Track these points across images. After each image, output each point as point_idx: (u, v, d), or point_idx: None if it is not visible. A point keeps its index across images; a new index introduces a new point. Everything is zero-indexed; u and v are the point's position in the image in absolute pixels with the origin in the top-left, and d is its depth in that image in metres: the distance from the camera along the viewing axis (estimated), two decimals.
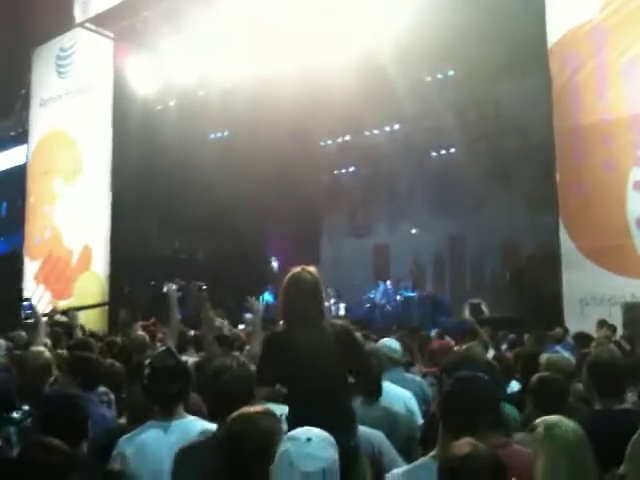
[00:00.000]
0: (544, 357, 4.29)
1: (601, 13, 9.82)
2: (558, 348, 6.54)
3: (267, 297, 16.37)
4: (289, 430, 3.12)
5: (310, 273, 3.47)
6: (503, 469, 2.08)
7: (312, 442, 2.02)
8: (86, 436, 2.93)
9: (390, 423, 3.73)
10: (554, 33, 10.24)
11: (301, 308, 3.38)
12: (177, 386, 3.07)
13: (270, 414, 2.39)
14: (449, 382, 2.79)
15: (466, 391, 2.62)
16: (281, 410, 3.08)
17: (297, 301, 3.40)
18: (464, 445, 2.11)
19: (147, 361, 3.23)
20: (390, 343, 4.74)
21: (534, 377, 3.51)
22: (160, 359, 3.16)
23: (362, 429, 3.40)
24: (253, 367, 3.30)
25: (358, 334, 4.20)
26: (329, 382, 3.24)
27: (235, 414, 2.36)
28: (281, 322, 3.51)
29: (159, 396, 3.09)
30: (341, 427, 3.16)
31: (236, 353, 4.73)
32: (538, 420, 2.56)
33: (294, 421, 3.10)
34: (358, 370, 3.48)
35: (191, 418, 3.10)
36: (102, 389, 4.14)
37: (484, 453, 2.08)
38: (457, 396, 2.63)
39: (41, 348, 4.35)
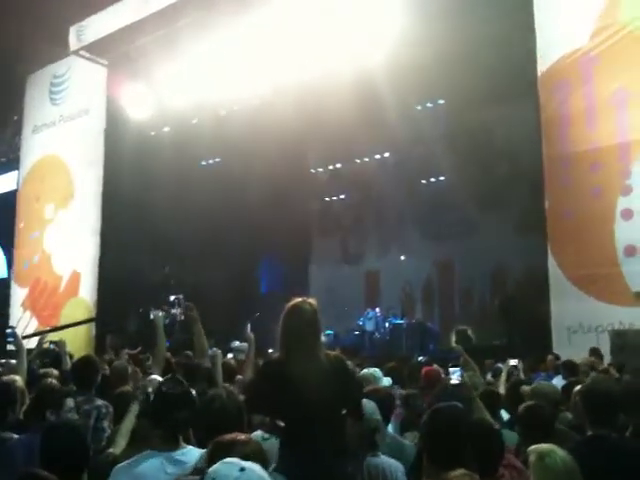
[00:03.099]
0: (528, 387, 4.30)
1: (590, 42, 9.95)
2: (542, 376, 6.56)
3: None
4: (283, 457, 3.12)
5: (310, 304, 3.50)
6: None
7: (246, 472, 1.97)
8: (87, 466, 2.89)
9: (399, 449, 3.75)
10: (544, 62, 10.38)
11: (300, 337, 3.39)
12: (184, 414, 3.01)
13: (252, 441, 2.36)
14: (428, 413, 2.80)
15: (446, 422, 2.63)
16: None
17: (296, 330, 3.41)
18: (459, 476, 2.11)
19: (151, 387, 3.21)
20: (373, 373, 4.76)
21: (521, 407, 3.51)
22: (169, 385, 3.13)
23: (381, 458, 3.46)
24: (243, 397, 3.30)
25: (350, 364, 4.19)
26: (325, 410, 3.24)
27: (214, 442, 2.32)
28: (278, 350, 3.53)
29: (166, 423, 3.02)
30: (337, 454, 3.18)
31: (226, 384, 4.67)
32: (531, 448, 2.56)
33: (290, 449, 3.09)
34: (351, 401, 3.46)
35: (190, 448, 3.01)
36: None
37: None
38: (437, 427, 2.64)
39: (14, 377, 4.33)
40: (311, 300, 3.54)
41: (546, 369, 7.78)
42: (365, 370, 4.88)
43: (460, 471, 2.17)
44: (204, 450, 2.78)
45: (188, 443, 3.06)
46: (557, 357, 8.10)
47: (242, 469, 1.96)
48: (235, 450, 2.10)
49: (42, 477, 2.34)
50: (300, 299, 3.53)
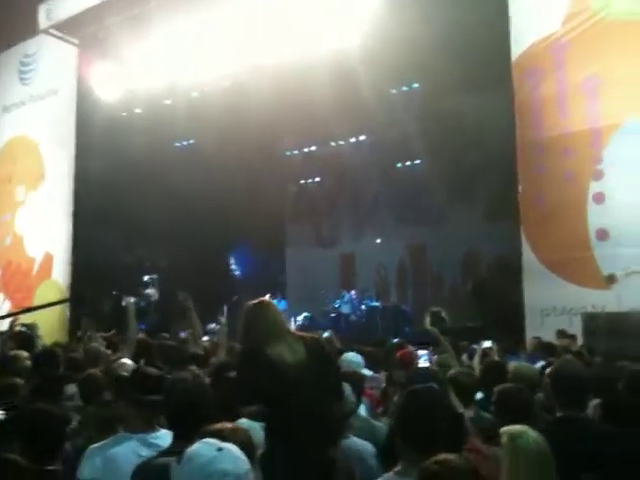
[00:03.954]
0: (511, 367, 4.34)
1: (563, 27, 10.01)
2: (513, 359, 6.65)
3: (281, 304, 16.35)
4: (269, 444, 3.15)
5: (264, 302, 3.73)
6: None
7: (223, 452, 2.00)
8: (60, 450, 2.88)
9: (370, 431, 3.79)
10: (517, 47, 10.42)
11: (271, 326, 3.50)
12: (159, 397, 3.03)
13: (240, 429, 2.38)
14: (403, 394, 2.82)
15: (420, 403, 2.65)
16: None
17: (265, 322, 3.51)
18: (442, 458, 2.13)
19: (131, 370, 3.21)
20: (354, 358, 4.79)
21: (497, 388, 3.54)
22: (145, 368, 3.14)
23: (353, 439, 3.51)
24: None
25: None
26: (307, 392, 3.28)
27: (203, 430, 2.34)
28: (246, 344, 3.61)
29: (141, 406, 3.05)
30: (319, 439, 3.22)
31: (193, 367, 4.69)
32: (503, 429, 2.59)
33: (273, 436, 3.12)
34: (331, 381, 3.51)
35: (165, 431, 3.03)
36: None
37: (463, 465, 2.11)
38: (412, 409, 2.65)
39: None
40: (264, 298, 3.81)
41: (517, 351, 7.87)
42: (346, 355, 4.91)
43: (443, 455, 2.19)
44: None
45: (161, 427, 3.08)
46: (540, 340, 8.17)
47: (219, 449, 1.99)
48: (223, 439, 2.12)
49: (11, 461, 2.32)
50: (254, 301, 3.70)
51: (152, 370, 3.14)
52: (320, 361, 3.45)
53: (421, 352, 5.68)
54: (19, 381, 4.13)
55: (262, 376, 3.35)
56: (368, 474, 3.32)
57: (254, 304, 3.64)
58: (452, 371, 4.19)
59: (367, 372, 4.97)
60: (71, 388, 3.83)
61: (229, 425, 2.40)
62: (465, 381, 4.06)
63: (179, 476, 2.00)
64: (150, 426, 3.05)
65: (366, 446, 3.55)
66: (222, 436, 2.17)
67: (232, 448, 2.03)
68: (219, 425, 2.37)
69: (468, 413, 3.79)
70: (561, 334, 8.07)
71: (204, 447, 2.02)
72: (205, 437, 2.13)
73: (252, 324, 3.54)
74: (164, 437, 2.98)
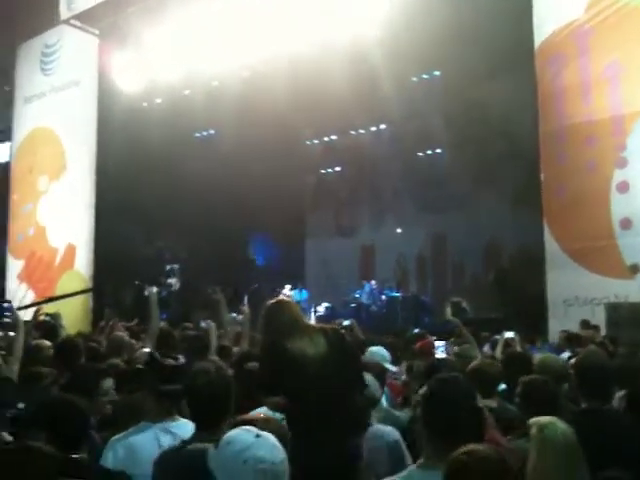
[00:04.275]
0: (537, 358, 4.30)
1: (586, 13, 9.86)
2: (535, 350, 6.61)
3: (302, 294, 16.42)
4: (293, 436, 3.16)
5: (282, 301, 3.79)
6: (512, 471, 2.10)
7: (261, 438, 2.04)
8: (84, 439, 2.91)
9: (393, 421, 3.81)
10: (540, 34, 10.30)
11: (291, 321, 3.54)
12: (176, 387, 3.04)
13: (273, 419, 2.40)
14: (428, 384, 2.80)
15: (447, 391, 2.62)
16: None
17: (286, 317, 3.56)
18: (471, 448, 2.11)
19: (149, 358, 3.24)
20: (380, 352, 4.77)
21: (522, 379, 3.51)
22: (162, 358, 3.17)
23: (377, 426, 3.52)
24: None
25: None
26: (329, 388, 3.30)
27: (235, 421, 2.36)
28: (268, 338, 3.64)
29: (159, 395, 3.08)
30: (344, 433, 3.23)
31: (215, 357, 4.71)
32: (532, 420, 2.56)
33: (295, 428, 3.12)
34: (353, 372, 3.52)
35: (184, 421, 3.06)
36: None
37: (493, 455, 2.09)
38: (439, 396, 2.63)
39: None
40: (281, 297, 3.85)
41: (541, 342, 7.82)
42: (372, 348, 4.89)
43: (471, 445, 2.17)
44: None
45: (182, 416, 3.10)
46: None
47: (257, 436, 2.04)
48: (257, 427, 2.15)
49: (36, 448, 2.35)
50: (278, 298, 3.82)
51: (168, 360, 3.16)
52: (341, 352, 3.46)
53: (438, 343, 5.65)
54: (45, 370, 4.17)
55: (283, 369, 3.39)
56: (394, 459, 3.33)
57: (272, 304, 3.68)
58: (475, 362, 4.16)
59: (392, 368, 4.95)
60: (107, 382, 3.84)
61: (261, 415, 2.42)
62: (488, 372, 4.03)
63: (216, 460, 2.06)
64: (169, 415, 3.08)
65: (391, 432, 3.56)
66: (254, 425, 2.19)
67: (269, 436, 2.08)
68: (251, 415, 2.39)
69: (491, 404, 3.77)
70: (585, 324, 8.00)
71: (243, 433, 2.07)
72: (238, 426, 2.16)
73: (271, 322, 3.58)
74: (184, 426, 3.01)
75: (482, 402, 3.54)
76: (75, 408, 2.94)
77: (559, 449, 2.44)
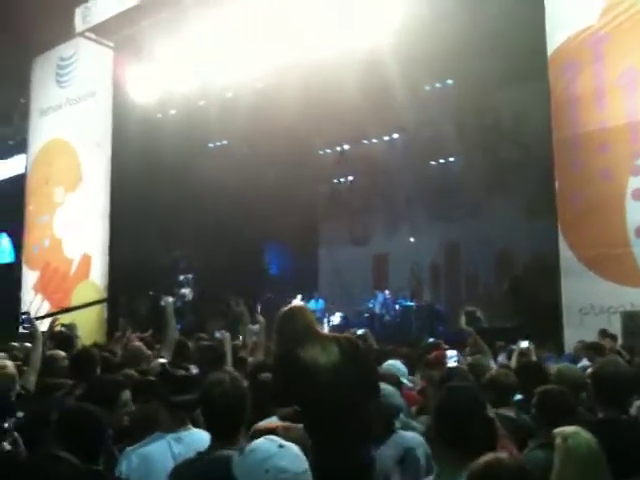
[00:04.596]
0: (554, 368, 4.27)
1: (600, 20, 9.81)
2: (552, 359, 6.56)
3: (319, 303, 16.41)
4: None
5: (305, 306, 3.95)
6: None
7: (284, 449, 2.06)
8: (103, 450, 2.94)
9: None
10: (553, 41, 10.26)
11: (305, 330, 3.55)
12: (188, 397, 3.08)
13: (293, 428, 2.42)
14: (442, 391, 2.80)
15: (458, 399, 2.62)
16: None
17: (301, 326, 3.57)
18: (492, 457, 2.10)
19: (160, 370, 3.26)
20: (396, 365, 4.77)
21: (538, 389, 3.49)
22: (173, 369, 3.20)
23: (400, 433, 3.57)
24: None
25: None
26: (343, 393, 3.31)
27: (254, 429, 2.37)
28: (281, 347, 3.67)
29: (171, 405, 3.11)
30: (357, 441, 3.24)
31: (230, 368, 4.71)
32: (556, 430, 2.56)
33: (309, 437, 3.12)
34: (368, 380, 3.52)
35: (197, 430, 3.10)
36: None
37: (514, 464, 2.08)
38: (450, 404, 2.63)
39: (4, 362, 4.36)
40: (296, 303, 3.83)
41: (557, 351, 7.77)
42: (389, 362, 4.88)
43: (491, 454, 2.16)
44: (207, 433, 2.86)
45: (197, 427, 3.11)
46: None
47: (281, 446, 2.09)
48: (278, 435, 2.17)
49: (65, 458, 2.38)
50: (292, 304, 3.89)
51: (180, 371, 3.19)
52: (355, 360, 3.47)
53: (451, 353, 5.62)
54: (60, 381, 4.19)
55: (296, 379, 3.40)
56: (417, 465, 3.37)
57: (286, 311, 3.69)
58: (491, 371, 4.14)
59: (407, 382, 4.93)
60: (126, 394, 3.85)
61: (280, 424, 2.43)
62: (504, 381, 4.01)
63: (239, 467, 2.11)
64: (182, 425, 3.11)
65: (415, 438, 3.56)
66: (275, 434, 2.21)
67: (293, 447, 2.12)
68: (271, 424, 2.41)
69: (508, 413, 3.76)
70: (603, 333, 7.92)
71: (266, 442, 2.11)
72: (258, 436, 2.18)
73: (284, 330, 3.60)
74: (197, 435, 3.04)
75: (499, 412, 3.54)
76: (94, 419, 2.97)
77: (583, 459, 2.44)
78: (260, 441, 2.12)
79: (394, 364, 4.80)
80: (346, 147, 19.04)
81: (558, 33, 10.24)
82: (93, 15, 14.92)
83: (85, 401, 3.52)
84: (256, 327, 5.58)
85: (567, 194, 10.05)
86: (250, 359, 5.19)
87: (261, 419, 3.14)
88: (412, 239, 18.06)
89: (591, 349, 6.70)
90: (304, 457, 2.09)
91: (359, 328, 8.96)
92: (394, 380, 4.14)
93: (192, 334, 7.60)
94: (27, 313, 12.24)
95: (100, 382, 3.97)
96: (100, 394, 3.63)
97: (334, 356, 3.42)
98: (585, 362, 6.15)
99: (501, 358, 6.57)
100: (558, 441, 2.48)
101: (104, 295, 15.11)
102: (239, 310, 5.39)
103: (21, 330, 8.97)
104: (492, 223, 15.50)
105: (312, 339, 3.50)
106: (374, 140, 18.33)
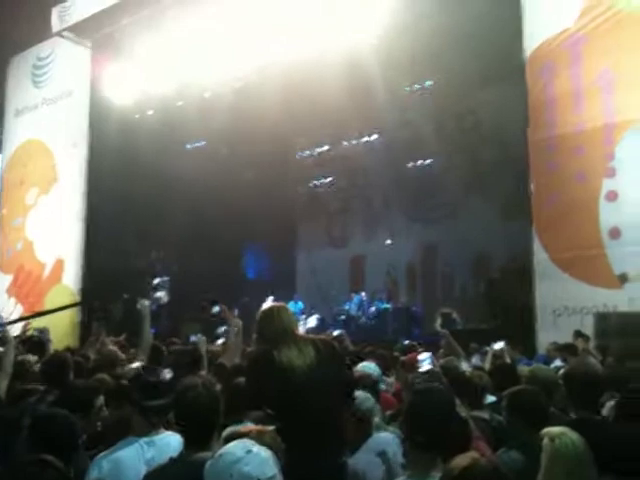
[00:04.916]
0: (526, 369, 4.30)
1: (578, 22, 9.88)
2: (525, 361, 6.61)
3: (298, 305, 16.34)
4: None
5: (283, 306, 3.76)
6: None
7: (251, 454, 2.06)
8: (76, 453, 2.93)
9: None
10: (531, 43, 10.32)
11: (283, 330, 3.52)
12: (160, 401, 3.08)
13: (268, 431, 2.42)
14: (411, 394, 2.81)
15: (426, 403, 2.63)
16: None
17: (277, 325, 3.54)
18: (467, 459, 2.11)
19: (133, 375, 3.25)
20: (371, 368, 4.77)
21: (509, 391, 3.51)
22: (145, 373, 3.19)
23: (375, 435, 3.58)
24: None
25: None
26: (316, 400, 3.28)
27: (229, 434, 2.37)
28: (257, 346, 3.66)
29: (143, 410, 3.10)
30: (330, 445, 3.23)
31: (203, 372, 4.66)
32: (544, 430, 2.59)
33: (283, 440, 3.11)
34: (343, 384, 3.53)
35: (169, 433, 3.10)
36: None
37: (488, 465, 2.10)
38: (419, 407, 2.64)
39: None
40: (277, 303, 3.82)
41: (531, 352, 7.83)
42: (363, 364, 4.88)
43: (469, 454, 2.18)
44: (178, 436, 2.85)
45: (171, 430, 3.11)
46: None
47: (249, 451, 2.08)
48: (252, 439, 2.17)
49: (52, 461, 2.40)
50: (267, 306, 3.75)
51: (153, 375, 3.19)
52: (331, 364, 3.45)
53: (424, 355, 5.60)
54: (33, 387, 4.12)
55: (270, 381, 3.37)
56: (392, 466, 3.36)
57: (266, 310, 3.68)
58: (465, 373, 4.16)
59: (382, 386, 4.93)
60: (100, 400, 3.80)
61: (255, 428, 2.43)
62: (478, 383, 4.03)
63: (208, 472, 2.12)
64: (155, 429, 3.10)
65: (387, 438, 3.55)
66: (249, 438, 2.20)
67: (261, 452, 2.11)
68: (245, 428, 2.40)
69: (483, 415, 3.78)
70: (577, 334, 7.99)
71: (236, 446, 2.13)
72: (231, 440, 2.17)
73: (264, 329, 3.58)
74: (169, 439, 3.05)
75: (473, 413, 3.56)
76: (67, 425, 2.97)
77: (571, 457, 2.49)
78: (229, 445, 2.13)
79: (368, 366, 4.81)
80: (325, 148, 19.04)
81: (536, 35, 10.32)
82: (70, 14, 14.79)
83: (58, 407, 3.50)
84: (235, 329, 5.54)
85: (542, 196, 10.13)
86: (220, 360, 5.14)
87: (236, 423, 3.13)
88: (389, 241, 18.11)
89: (564, 350, 6.76)
90: (273, 462, 2.08)
91: (335, 329, 8.96)
92: (370, 383, 4.14)
93: (167, 338, 7.56)
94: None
95: (73, 388, 3.93)
96: (73, 400, 3.61)
97: (310, 358, 3.40)
98: (558, 363, 6.20)
99: (475, 360, 6.60)
100: (546, 441, 2.52)
101: (78, 299, 14.93)
102: (225, 316, 5.31)
103: None
104: (469, 225, 15.59)
105: (290, 340, 3.47)
106: (353, 141, 18.35)
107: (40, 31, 15.59)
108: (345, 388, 3.54)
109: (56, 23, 15.11)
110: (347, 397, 3.54)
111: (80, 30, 15.05)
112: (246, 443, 2.13)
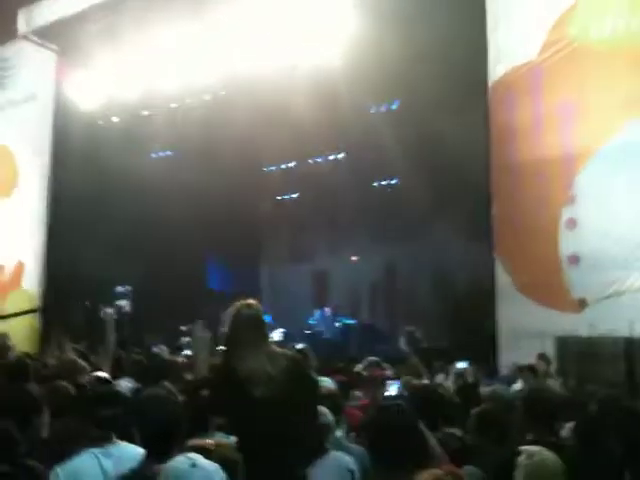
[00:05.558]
0: (488, 389, 4.38)
1: (540, 55, 10.17)
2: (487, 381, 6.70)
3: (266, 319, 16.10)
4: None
5: (252, 305, 3.59)
6: None
7: (196, 468, 2.04)
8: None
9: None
10: (494, 72, 10.58)
11: (244, 338, 3.43)
12: (109, 411, 3.06)
13: (226, 444, 2.41)
14: (374, 411, 2.84)
15: (388, 420, 2.66)
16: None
17: (240, 331, 3.46)
18: (432, 475, 2.14)
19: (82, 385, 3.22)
20: (326, 382, 4.78)
21: (475, 410, 3.57)
22: (93, 384, 3.18)
23: (336, 454, 3.54)
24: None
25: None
26: (276, 411, 3.25)
27: (188, 446, 2.35)
28: (225, 352, 3.55)
29: (93, 420, 3.08)
30: (290, 459, 3.22)
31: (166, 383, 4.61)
32: (522, 448, 2.64)
33: (244, 453, 3.10)
34: (305, 400, 3.46)
35: (125, 444, 3.09)
36: None
37: None
38: (380, 426, 2.67)
39: None
40: (253, 301, 3.61)
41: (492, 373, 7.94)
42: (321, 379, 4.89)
43: (430, 471, 2.21)
44: (141, 449, 2.82)
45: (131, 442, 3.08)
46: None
47: (193, 465, 2.05)
48: (207, 454, 2.15)
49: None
50: (243, 301, 3.60)
51: (98, 385, 3.19)
52: (295, 378, 3.40)
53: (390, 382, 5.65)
54: None
55: (232, 391, 3.33)
56: None
57: (241, 306, 3.55)
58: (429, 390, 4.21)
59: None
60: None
61: (212, 440, 2.42)
62: (451, 401, 4.09)
63: None
64: (108, 439, 3.08)
65: (348, 461, 3.56)
66: (205, 451, 2.19)
67: (207, 466, 2.07)
68: (202, 440, 2.39)
69: (456, 432, 3.83)
70: (540, 357, 8.13)
71: (180, 461, 2.09)
72: (188, 452, 2.14)
73: (234, 329, 3.48)
74: (126, 449, 3.04)
75: (446, 430, 3.61)
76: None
77: (550, 473, 2.53)
78: (174, 460, 2.09)
79: (325, 380, 4.83)
80: (292, 165, 19.09)
81: (498, 65, 10.57)
82: (37, 18, 14.63)
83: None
84: (186, 339, 5.48)
85: (504, 220, 10.32)
86: (188, 376, 5.12)
87: (202, 435, 3.12)
88: (354, 258, 18.23)
89: (525, 371, 6.88)
90: (220, 477, 2.06)
91: (299, 344, 8.94)
92: (335, 397, 4.16)
93: (128, 347, 7.48)
94: None
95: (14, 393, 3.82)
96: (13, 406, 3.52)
97: (275, 371, 3.35)
98: (519, 385, 6.30)
99: (439, 378, 6.67)
100: (523, 458, 2.57)
101: (38, 304, 14.65)
102: (197, 335, 5.22)
103: None
104: (431, 245, 15.79)
105: (258, 350, 3.40)
106: (319, 159, 18.45)
107: (5, 32, 15.36)
108: (309, 403, 3.52)
109: (22, 26, 14.92)
110: (311, 414, 3.52)
111: (46, 34, 14.88)
112: (191, 457, 2.11)
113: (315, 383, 3.78)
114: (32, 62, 15.83)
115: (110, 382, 3.21)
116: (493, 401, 3.99)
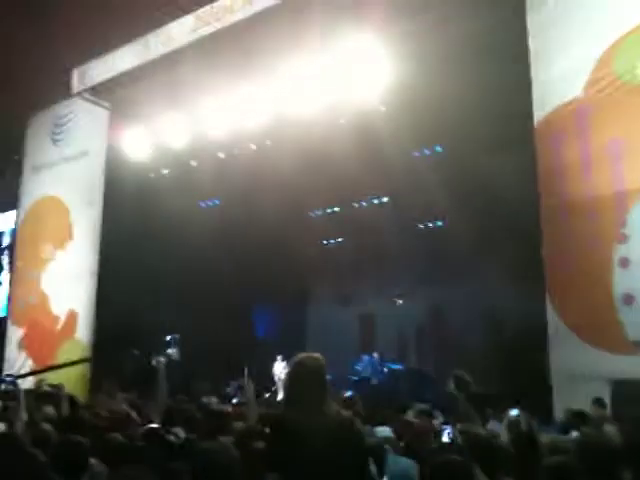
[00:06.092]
0: (545, 439, 4.25)
1: (585, 92, 10.09)
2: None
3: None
4: None
5: (314, 358, 3.55)
6: None
7: None
8: None
9: None
10: (540, 111, 10.50)
11: (302, 394, 3.40)
12: (182, 464, 3.05)
13: None
14: (430, 467, 2.78)
15: (444, 474, 2.61)
16: None
17: (298, 386, 3.44)
18: None
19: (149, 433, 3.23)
20: (385, 433, 4.71)
21: (547, 462, 3.45)
22: (169, 436, 3.17)
23: None
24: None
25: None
26: (327, 470, 3.20)
27: None
28: (284, 404, 3.53)
29: (160, 472, 3.08)
30: None
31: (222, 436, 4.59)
32: None
33: None
34: (354, 466, 3.35)
35: None
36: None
37: None
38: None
39: None
40: (316, 355, 3.55)
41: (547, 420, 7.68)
42: (378, 429, 4.81)
43: None
44: None
45: None
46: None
47: None
48: None
49: None
50: (305, 354, 3.56)
51: (172, 437, 3.16)
52: (347, 443, 3.30)
53: (444, 426, 5.55)
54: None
55: (282, 448, 3.28)
56: None
57: (304, 359, 3.52)
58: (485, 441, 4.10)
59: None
60: (97, 466, 3.68)
61: None
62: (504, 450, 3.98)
63: None
64: None
65: None
66: None
67: None
68: None
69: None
70: (597, 402, 7.86)
71: None
72: None
73: (295, 382, 3.44)
74: None
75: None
76: None
77: None
78: None
79: (382, 430, 4.75)
80: (336, 209, 19.23)
81: (544, 104, 10.48)
82: (90, 76, 15.23)
83: (50, 467, 3.41)
84: (230, 389, 5.48)
85: (554, 260, 10.12)
86: (237, 424, 5.09)
87: None
88: (400, 301, 18.08)
89: (575, 417, 6.65)
90: None
91: (346, 390, 8.86)
92: (379, 450, 4.09)
93: (177, 396, 7.50)
94: (11, 375, 11.99)
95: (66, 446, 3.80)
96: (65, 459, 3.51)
97: (324, 429, 3.27)
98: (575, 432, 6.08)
99: (491, 425, 6.49)
100: None
101: (89, 353, 14.88)
102: (246, 386, 5.21)
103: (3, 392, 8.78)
104: (479, 288, 15.57)
105: (316, 407, 3.33)
106: (364, 203, 18.54)
107: (60, 90, 16.02)
108: (359, 464, 3.38)
109: (76, 84, 15.55)
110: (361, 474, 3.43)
111: (99, 91, 15.47)
112: None
113: (366, 449, 3.65)
114: (85, 119, 16.46)
115: (165, 434, 3.18)
116: (557, 452, 3.84)
